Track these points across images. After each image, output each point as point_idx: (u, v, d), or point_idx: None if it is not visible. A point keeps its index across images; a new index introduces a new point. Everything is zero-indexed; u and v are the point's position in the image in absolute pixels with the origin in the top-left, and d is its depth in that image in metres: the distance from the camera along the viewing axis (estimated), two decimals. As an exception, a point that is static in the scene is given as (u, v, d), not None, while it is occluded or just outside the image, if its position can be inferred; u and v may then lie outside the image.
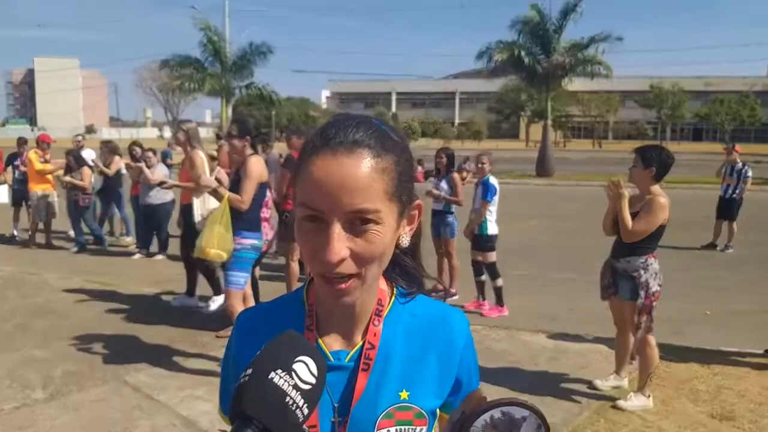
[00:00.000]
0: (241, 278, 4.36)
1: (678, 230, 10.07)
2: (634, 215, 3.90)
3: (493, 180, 6.04)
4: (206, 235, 4.30)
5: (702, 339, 5.15)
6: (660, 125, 57.98)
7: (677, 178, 20.08)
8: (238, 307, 4.17)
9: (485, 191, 5.96)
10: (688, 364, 4.70)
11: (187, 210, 5.85)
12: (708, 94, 59.78)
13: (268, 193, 5.14)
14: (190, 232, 5.76)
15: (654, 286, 3.85)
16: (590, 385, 4.30)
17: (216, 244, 4.25)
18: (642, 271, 3.86)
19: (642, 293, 3.85)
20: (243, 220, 4.36)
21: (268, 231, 5.14)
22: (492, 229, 6.00)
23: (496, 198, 5.98)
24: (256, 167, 4.40)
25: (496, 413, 0.79)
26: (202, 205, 5.61)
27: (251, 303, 4.50)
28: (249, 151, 4.48)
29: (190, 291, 6.25)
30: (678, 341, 5.16)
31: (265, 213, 5.03)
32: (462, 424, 0.80)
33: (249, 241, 4.37)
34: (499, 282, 6.08)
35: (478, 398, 0.81)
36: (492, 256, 6.05)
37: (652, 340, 3.94)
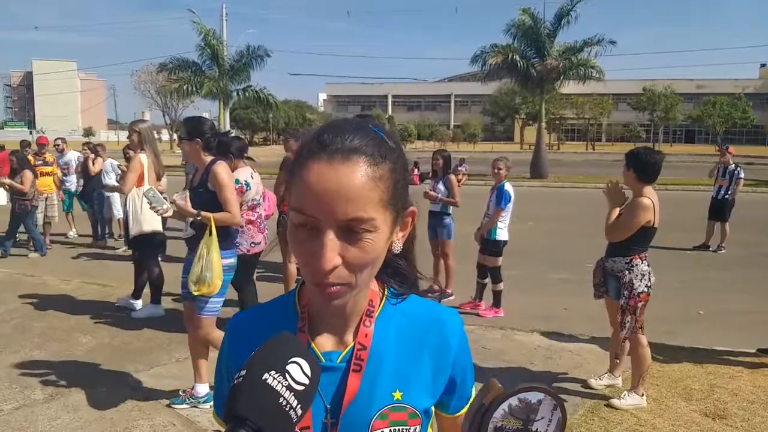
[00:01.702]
0: (217, 304, 3.84)
1: (671, 231, 10.16)
2: (620, 215, 4.00)
3: (508, 186, 6.05)
4: (214, 267, 3.74)
5: (695, 338, 5.21)
6: (653, 127, 58.27)
7: (670, 179, 20.22)
8: (216, 334, 3.79)
9: (499, 198, 5.98)
10: (681, 363, 4.76)
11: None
12: (700, 96, 60.15)
13: (257, 196, 5.10)
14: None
15: (640, 287, 3.87)
16: (584, 384, 4.35)
17: (218, 275, 3.76)
18: (626, 272, 3.91)
19: (626, 293, 3.89)
20: (220, 237, 3.78)
21: (255, 233, 5.03)
22: (501, 235, 6.05)
23: (510, 205, 6.02)
24: (226, 174, 3.81)
25: (514, 401, 0.81)
26: (134, 210, 5.52)
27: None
28: (206, 155, 3.87)
29: (153, 298, 6.17)
30: (671, 341, 5.22)
31: (251, 215, 4.98)
32: (483, 415, 0.81)
33: (225, 261, 3.80)
34: (500, 286, 6.15)
35: (496, 389, 0.82)
36: (497, 261, 6.11)
37: (644, 339, 3.98)
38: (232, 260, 3.90)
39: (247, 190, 4.94)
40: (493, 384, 0.84)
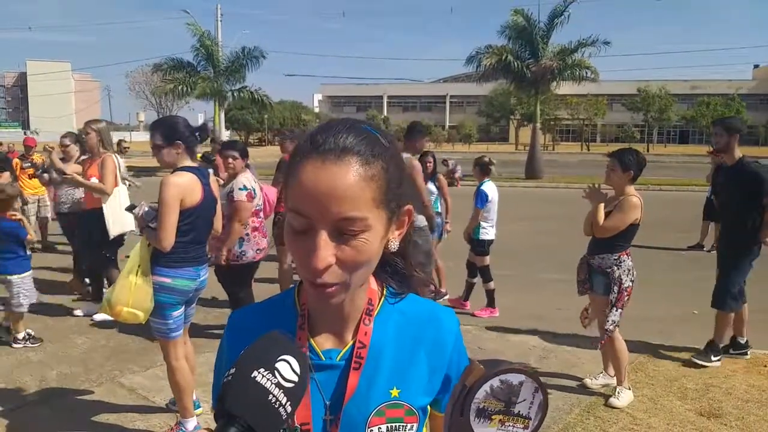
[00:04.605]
0: (161, 325, 3.40)
1: (665, 231, 10.21)
2: (607, 214, 4.08)
3: (486, 186, 6.10)
4: (118, 289, 3.32)
5: (690, 338, 5.23)
6: (647, 128, 58.49)
7: (664, 180, 20.30)
8: (170, 356, 3.47)
9: (476, 198, 6.06)
10: (676, 363, 4.80)
11: (91, 215, 5.60)
12: (694, 97, 60.32)
13: (260, 202, 5.00)
14: (96, 239, 5.61)
15: (626, 282, 4.00)
16: (580, 383, 4.38)
17: (130, 302, 3.29)
18: (615, 268, 4.01)
19: (615, 288, 4.00)
20: (158, 254, 3.34)
21: (260, 239, 4.92)
22: (485, 234, 6.08)
23: (490, 204, 6.05)
24: (173, 190, 3.25)
25: (495, 382, 0.82)
26: (113, 211, 5.42)
27: (191, 358, 3.72)
28: (185, 160, 3.41)
29: (96, 297, 6.02)
30: (666, 340, 5.27)
31: (255, 222, 4.87)
32: (465, 396, 0.82)
33: (157, 279, 3.33)
34: (491, 285, 6.18)
35: (477, 370, 0.83)
36: (483, 260, 6.14)
37: (618, 333, 4.08)
38: (168, 281, 3.34)
39: (255, 196, 4.80)
40: (475, 365, 0.85)
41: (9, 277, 5.00)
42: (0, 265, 5.01)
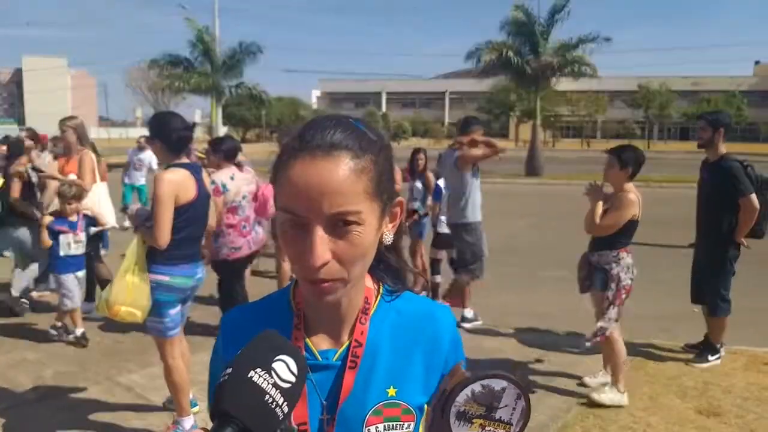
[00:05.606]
0: (158, 323, 3.38)
1: (666, 229, 10.20)
2: (605, 212, 4.07)
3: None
4: (116, 288, 3.30)
5: (690, 336, 5.22)
6: (648, 124, 58.50)
7: (665, 177, 20.28)
8: (167, 355, 3.45)
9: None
10: (675, 361, 4.79)
11: None
12: (695, 93, 60.33)
13: (237, 198, 4.80)
14: None
15: (625, 280, 3.99)
16: (580, 381, 4.36)
17: (128, 301, 3.28)
18: (614, 264, 4.01)
19: (612, 285, 4.00)
20: (155, 252, 3.32)
21: (235, 238, 4.75)
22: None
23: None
24: (166, 187, 3.23)
25: (477, 387, 0.82)
26: (91, 208, 5.41)
27: (186, 356, 3.66)
28: (172, 157, 3.43)
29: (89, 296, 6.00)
30: (666, 338, 5.27)
31: (231, 219, 4.73)
32: (446, 400, 0.83)
33: (155, 277, 3.32)
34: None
35: (459, 374, 0.84)
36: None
37: (616, 333, 4.05)
38: (167, 279, 3.33)
39: (224, 192, 4.65)
40: (457, 369, 0.86)
41: (53, 276, 5.29)
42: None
